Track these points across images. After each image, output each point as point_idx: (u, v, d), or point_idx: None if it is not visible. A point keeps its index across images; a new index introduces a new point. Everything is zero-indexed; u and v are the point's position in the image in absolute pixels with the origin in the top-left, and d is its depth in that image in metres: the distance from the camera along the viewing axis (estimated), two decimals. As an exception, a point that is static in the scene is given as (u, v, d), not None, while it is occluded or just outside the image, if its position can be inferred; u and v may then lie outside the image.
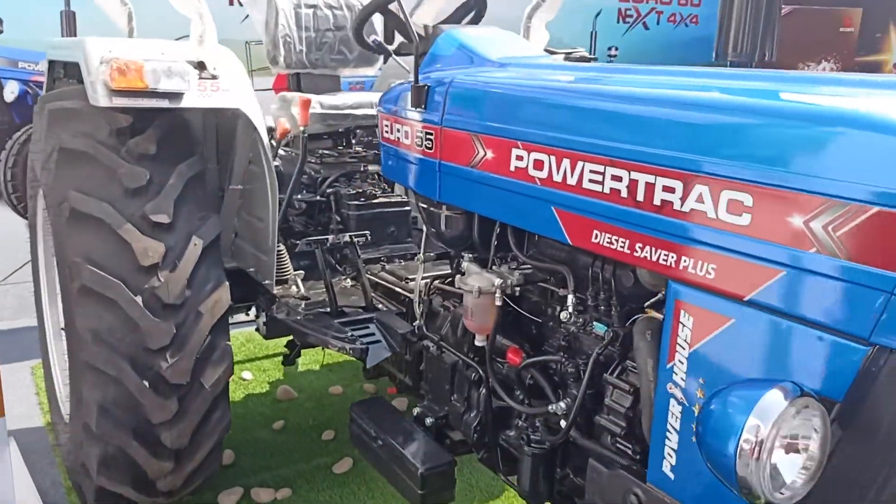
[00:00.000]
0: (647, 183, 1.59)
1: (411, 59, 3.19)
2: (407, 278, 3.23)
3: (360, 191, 3.55)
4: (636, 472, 1.76)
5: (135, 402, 2.77)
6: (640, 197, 1.61)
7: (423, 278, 2.87)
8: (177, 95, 2.83)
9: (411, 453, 2.38)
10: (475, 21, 3.17)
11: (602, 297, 1.94)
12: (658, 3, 9.05)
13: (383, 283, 3.23)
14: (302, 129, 3.27)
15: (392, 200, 3.60)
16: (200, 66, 2.91)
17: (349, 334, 2.85)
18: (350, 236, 3.12)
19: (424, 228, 2.78)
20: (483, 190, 2.13)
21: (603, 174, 1.70)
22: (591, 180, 1.73)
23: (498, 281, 2.12)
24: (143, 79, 2.71)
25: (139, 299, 2.73)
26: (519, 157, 1.95)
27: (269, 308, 3.24)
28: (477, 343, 2.28)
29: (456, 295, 2.67)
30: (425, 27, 3.06)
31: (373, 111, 3.56)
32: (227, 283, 2.95)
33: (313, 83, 4.00)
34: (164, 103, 2.80)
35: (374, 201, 3.53)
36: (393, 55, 2.92)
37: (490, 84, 2.19)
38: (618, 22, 9.19)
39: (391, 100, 2.76)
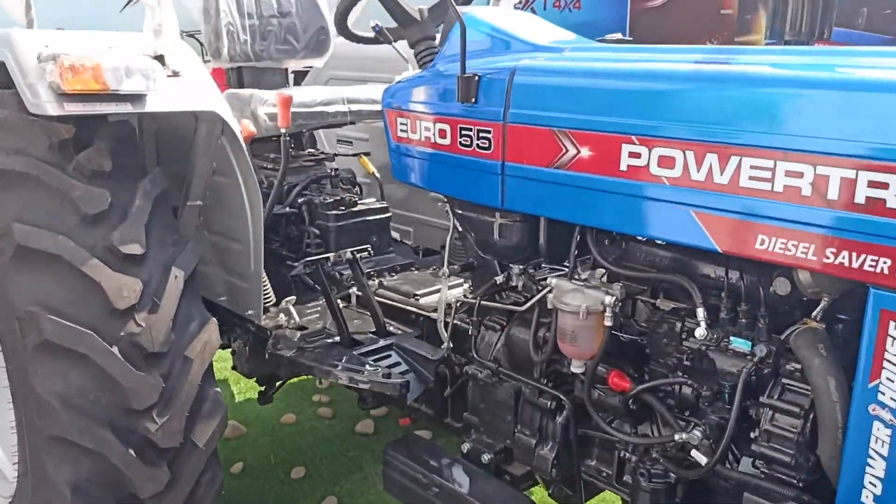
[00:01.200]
0: (843, 179, 1.39)
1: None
2: (415, 295, 2.90)
3: (338, 198, 3.16)
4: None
5: (118, 475, 2.28)
6: (832, 195, 1.41)
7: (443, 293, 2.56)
8: (139, 98, 2.34)
9: (482, 499, 2.09)
10: (466, 3, 2.88)
11: (743, 308, 1.73)
12: (546, -12, 9.27)
13: (387, 301, 2.87)
14: (283, 131, 2.84)
15: (373, 207, 3.23)
16: (159, 61, 2.44)
17: (375, 368, 2.48)
18: (352, 252, 2.74)
19: (450, 237, 2.47)
20: (572, 193, 1.86)
21: (773, 170, 1.48)
22: (753, 178, 1.51)
23: (608, 298, 1.86)
24: (101, 79, 2.21)
25: (116, 350, 2.25)
26: (634, 155, 1.69)
27: (252, 343, 2.80)
28: (574, 369, 2.01)
29: (501, 312, 2.38)
30: (420, 11, 2.74)
31: (344, 108, 3.17)
32: (215, 320, 2.50)
33: (256, 78, 3.54)
34: (127, 107, 2.31)
35: (354, 209, 3.15)
36: (394, 45, 2.58)
37: (576, 72, 1.92)
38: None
39: (402, 94, 2.42)
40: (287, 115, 2.83)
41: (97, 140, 2.43)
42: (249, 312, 2.78)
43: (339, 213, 3.14)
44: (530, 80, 1.97)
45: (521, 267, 2.29)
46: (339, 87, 3.32)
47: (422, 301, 2.88)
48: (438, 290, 2.99)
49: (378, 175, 3.52)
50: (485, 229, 2.26)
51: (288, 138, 2.92)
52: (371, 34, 2.84)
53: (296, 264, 2.86)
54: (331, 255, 2.68)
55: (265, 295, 2.81)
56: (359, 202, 3.21)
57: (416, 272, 3.22)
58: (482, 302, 2.37)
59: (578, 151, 1.82)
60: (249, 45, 3.46)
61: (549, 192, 1.92)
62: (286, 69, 3.78)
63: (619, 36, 2.43)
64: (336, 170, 3.30)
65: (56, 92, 2.17)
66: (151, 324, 2.31)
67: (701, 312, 1.73)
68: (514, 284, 2.38)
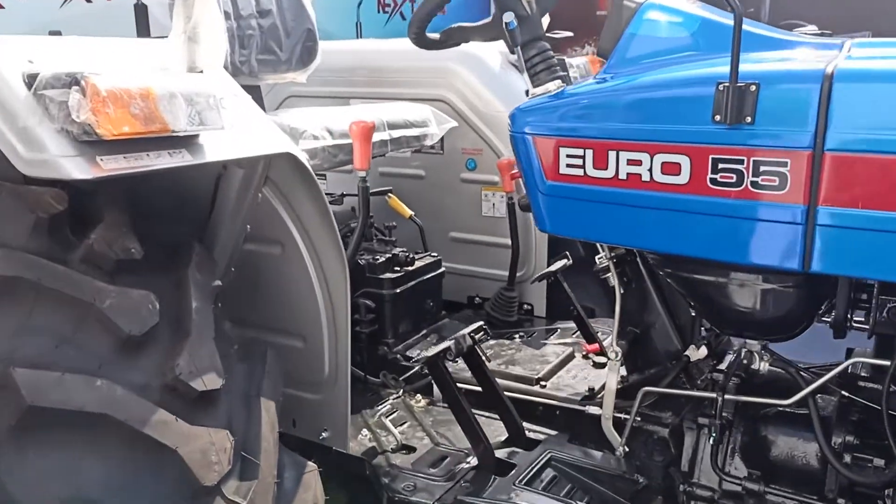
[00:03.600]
0: None
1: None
2: (538, 380, 2.21)
3: (389, 255, 2.42)
4: None
5: None
6: None
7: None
8: (194, 141, 1.52)
9: None
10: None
11: None
12: (412, -7, 9.26)
13: (509, 394, 2.14)
14: (363, 175, 2.06)
15: (429, 263, 2.52)
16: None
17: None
18: (470, 334, 2.00)
19: (619, 305, 1.86)
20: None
21: None
22: None
23: None
24: (157, 114, 1.37)
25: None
26: None
27: (348, 485, 1.99)
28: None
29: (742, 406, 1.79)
30: (528, 2, 2.09)
31: (385, 135, 2.42)
32: (316, 468, 1.70)
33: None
34: (185, 158, 1.48)
35: (411, 268, 2.42)
36: (518, 51, 1.92)
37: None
38: (378, 12, 9.24)
39: (564, 115, 1.78)
40: (368, 151, 2.06)
41: (107, 208, 1.56)
42: (324, 435, 1.96)
43: (395, 276, 2.39)
44: (874, 89, 1.41)
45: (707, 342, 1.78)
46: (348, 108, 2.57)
47: (548, 386, 2.22)
48: (555, 366, 2.34)
49: (418, 220, 2.79)
50: (736, 297, 1.67)
51: (367, 184, 2.15)
52: (446, 38, 2.13)
53: (412, 362, 2.08)
54: (449, 343, 1.93)
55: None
56: (416, 259, 2.48)
57: (496, 341, 2.53)
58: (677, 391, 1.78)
59: None
60: (228, 56, 2.59)
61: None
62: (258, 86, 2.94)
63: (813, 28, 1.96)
64: (372, 220, 2.54)
65: (82, 138, 1.30)
66: (253, 496, 1.48)
67: None
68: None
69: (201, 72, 1.69)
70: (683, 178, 1.60)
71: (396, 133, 2.47)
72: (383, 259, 2.40)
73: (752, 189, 1.52)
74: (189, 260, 1.67)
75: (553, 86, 1.91)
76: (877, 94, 1.41)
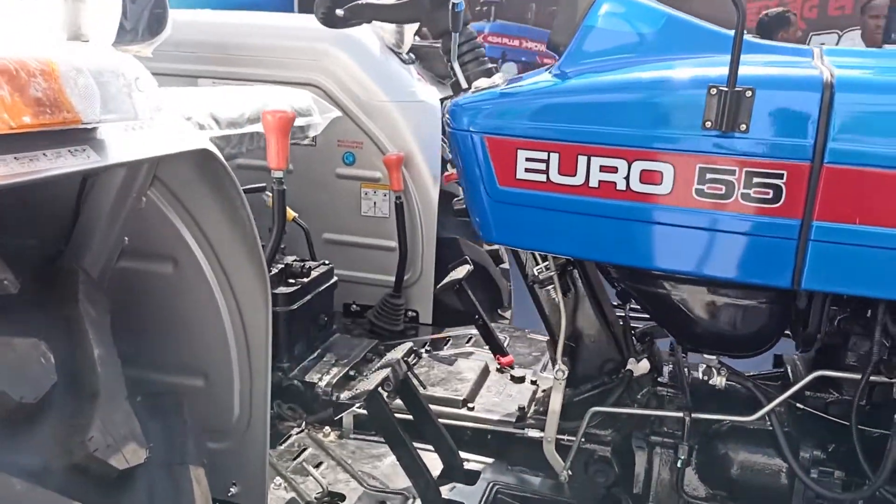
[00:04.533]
0: None
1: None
2: (464, 402, 2.01)
3: (284, 265, 2.11)
4: None
5: None
6: None
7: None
8: (95, 136, 1.18)
9: None
10: None
11: None
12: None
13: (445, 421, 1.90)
14: (280, 174, 1.72)
15: (322, 273, 2.23)
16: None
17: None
18: (404, 360, 1.70)
19: (565, 317, 1.73)
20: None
21: None
22: None
23: None
24: (66, 97, 1.03)
25: None
26: None
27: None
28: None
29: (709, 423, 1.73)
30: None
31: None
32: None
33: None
34: (91, 160, 1.14)
35: (307, 280, 2.12)
36: (455, 38, 1.74)
37: None
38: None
39: (521, 112, 1.62)
40: (286, 147, 1.73)
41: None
42: (233, 491, 1.64)
43: (290, 290, 2.09)
44: (877, 100, 1.37)
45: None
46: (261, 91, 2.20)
47: (476, 408, 2.03)
48: (475, 384, 2.17)
49: (302, 222, 2.47)
50: (710, 313, 1.59)
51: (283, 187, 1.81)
52: (351, 16, 1.87)
53: (346, 400, 1.77)
54: (386, 373, 1.64)
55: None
56: (311, 269, 2.18)
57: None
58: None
59: None
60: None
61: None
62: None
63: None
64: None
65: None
66: None
67: None
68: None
69: (87, 41, 1.30)
70: (665, 187, 1.49)
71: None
72: (275, 270, 2.08)
73: (743, 201, 1.44)
74: (74, 290, 1.29)
75: (499, 79, 1.72)
76: (880, 105, 1.38)
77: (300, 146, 2.73)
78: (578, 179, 1.56)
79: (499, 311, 3.13)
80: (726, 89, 1.39)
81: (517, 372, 2.21)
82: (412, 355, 1.86)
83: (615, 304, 1.99)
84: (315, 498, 1.74)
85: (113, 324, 1.70)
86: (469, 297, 2.34)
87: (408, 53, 2.82)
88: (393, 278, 2.75)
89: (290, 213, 2.45)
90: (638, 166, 1.50)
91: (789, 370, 1.85)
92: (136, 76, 1.20)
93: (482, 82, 1.73)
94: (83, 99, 1.04)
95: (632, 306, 2.06)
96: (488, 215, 1.70)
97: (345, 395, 1.87)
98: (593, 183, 1.55)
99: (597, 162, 1.54)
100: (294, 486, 1.76)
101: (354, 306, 2.89)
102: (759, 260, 1.47)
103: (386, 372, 1.66)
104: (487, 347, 2.43)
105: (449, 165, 2.98)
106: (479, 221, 1.73)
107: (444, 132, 2.77)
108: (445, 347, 2.63)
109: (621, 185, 1.52)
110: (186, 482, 1.25)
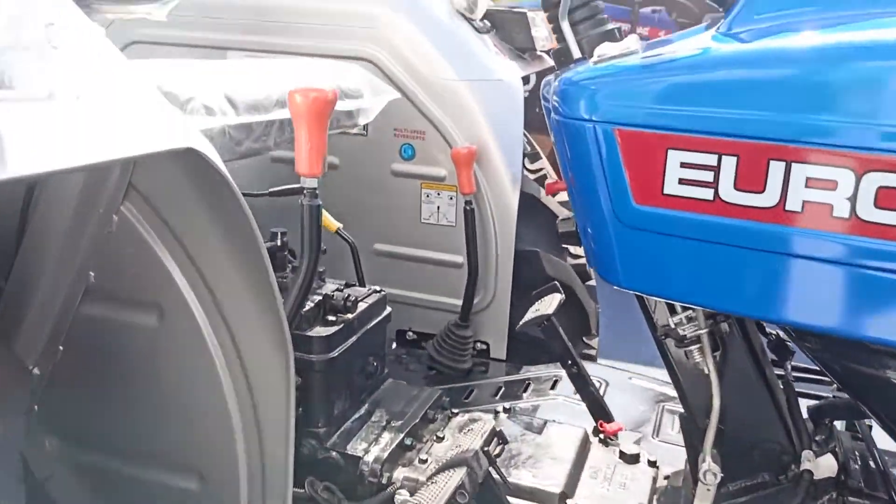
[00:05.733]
0: None
1: None
2: (562, 497, 1.48)
3: (323, 296, 1.63)
4: None
5: None
6: None
7: None
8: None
9: None
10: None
11: None
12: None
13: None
14: (313, 183, 1.22)
15: (372, 304, 1.73)
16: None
17: None
18: (484, 451, 1.21)
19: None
20: None
21: None
22: None
23: None
24: None
25: None
26: None
27: None
28: None
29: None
30: None
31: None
32: None
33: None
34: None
35: (351, 315, 1.63)
36: None
37: None
38: None
39: (652, 90, 1.09)
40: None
41: None
42: None
43: (330, 330, 1.59)
44: None
45: None
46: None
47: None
48: (574, 466, 1.63)
49: (347, 235, 1.96)
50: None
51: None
52: None
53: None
54: (461, 477, 1.14)
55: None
56: (359, 301, 1.68)
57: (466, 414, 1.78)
58: None
59: None
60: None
61: None
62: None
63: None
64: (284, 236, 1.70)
65: None
66: None
67: None
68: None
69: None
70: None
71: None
72: (310, 304, 1.59)
73: None
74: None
75: (634, 43, 1.18)
76: None
77: (347, 136, 2.24)
78: (769, 199, 1.02)
79: (584, 339, 2.59)
80: None
81: (627, 445, 1.68)
82: (495, 440, 1.36)
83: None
84: None
85: (74, 397, 1.24)
86: (560, 336, 1.81)
87: (482, 20, 2.28)
88: (459, 302, 2.23)
89: (333, 224, 1.94)
90: (872, 181, 0.95)
91: None
92: (51, 22, 0.71)
93: (607, 49, 1.19)
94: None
95: (793, 365, 1.51)
96: (613, 246, 1.17)
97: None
98: (793, 205, 1.00)
99: (801, 172, 0.99)
100: None
101: (411, 333, 2.38)
102: None
103: (461, 474, 1.15)
104: (578, 395, 1.91)
105: (544, 167, 2.45)
106: (599, 254, 1.20)
107: (527, 121, 2.24)
108: (526, 395, 2.11)
109: (842, 211, 0.97)
110: None
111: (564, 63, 1.33)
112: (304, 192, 1.29)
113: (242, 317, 1.13)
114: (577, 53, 1.31)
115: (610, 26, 1.35)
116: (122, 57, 0.92)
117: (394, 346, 2.38)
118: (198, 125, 1.27)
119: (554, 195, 2.46)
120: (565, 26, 1.30)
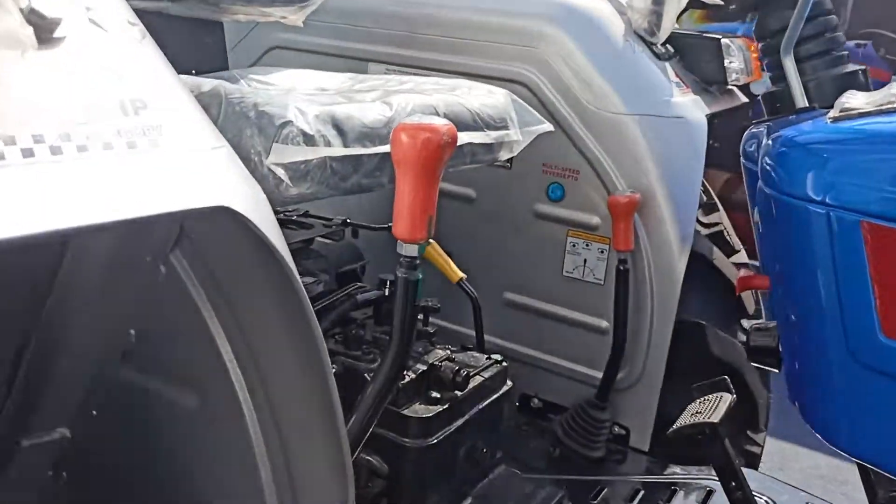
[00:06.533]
0: None
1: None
2: None
3: (429, 366, 1.36)
4: None
5: None
6: None
7: None
8: None
9: None
10: None
11: None
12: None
13: None
14: (413, 250, 0.97)
15: (489, 377, 1.44)
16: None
17: None
18: None
19: None
20: None
21: None
22: None
23: None
24: None
25: None
26: None
27: None
28: None
29: None
30: None
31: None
32: None
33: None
34: None
35: (460, 394, 1.35)
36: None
37: None
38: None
39: None
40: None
41: None
42: None
43: (432, 411, 1.31)
44: None
45: None
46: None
47: None
48: None
49: (469, 287, 1.68)
50: None
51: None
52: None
53: None
54: None
55: None
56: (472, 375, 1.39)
57: None
58: None
59: None
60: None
61: None
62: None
63: None
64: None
65: None
66: None
67: None
68: None
69: None
70: None
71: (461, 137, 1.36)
72: (411, 376, 1.31)
73: None
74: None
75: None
76: None
77: (490, 166, 1.95)
78: None
79: (748, 434, 2.16)
80: None
81: None
82: None
83: None
84: None
85: (99, 456, 1.02)
86: (727, 452, 1.43)
87: (664, 45, 1.92)
88: (598, 374, 1.88)
89: (455, 273, 1.65)
90: None
91: None
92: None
93: (853, 99, 0.82)
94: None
95: None
96: (838, 393, 0.80)
97: None
98: None
99: None
100: None
101: (536, 401, 2.04)
102: None
103: None
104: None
105: (721, 222, 2.06)
106: (812, 397, 0.84)
107: (708, 166, 1.85)
108: (669, 504, 1.73)
109: None
110: None
111: (781, 111, 0.97)
112: (401, 261, 1.01)
113: (291, 399, 0.85)
114: (802, 100, 0.95)
115: (852, 67, 0.98)
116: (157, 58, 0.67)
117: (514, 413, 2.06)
118: (289, 156, 1.02)
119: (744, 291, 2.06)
120: (788, 63, 0.94)
